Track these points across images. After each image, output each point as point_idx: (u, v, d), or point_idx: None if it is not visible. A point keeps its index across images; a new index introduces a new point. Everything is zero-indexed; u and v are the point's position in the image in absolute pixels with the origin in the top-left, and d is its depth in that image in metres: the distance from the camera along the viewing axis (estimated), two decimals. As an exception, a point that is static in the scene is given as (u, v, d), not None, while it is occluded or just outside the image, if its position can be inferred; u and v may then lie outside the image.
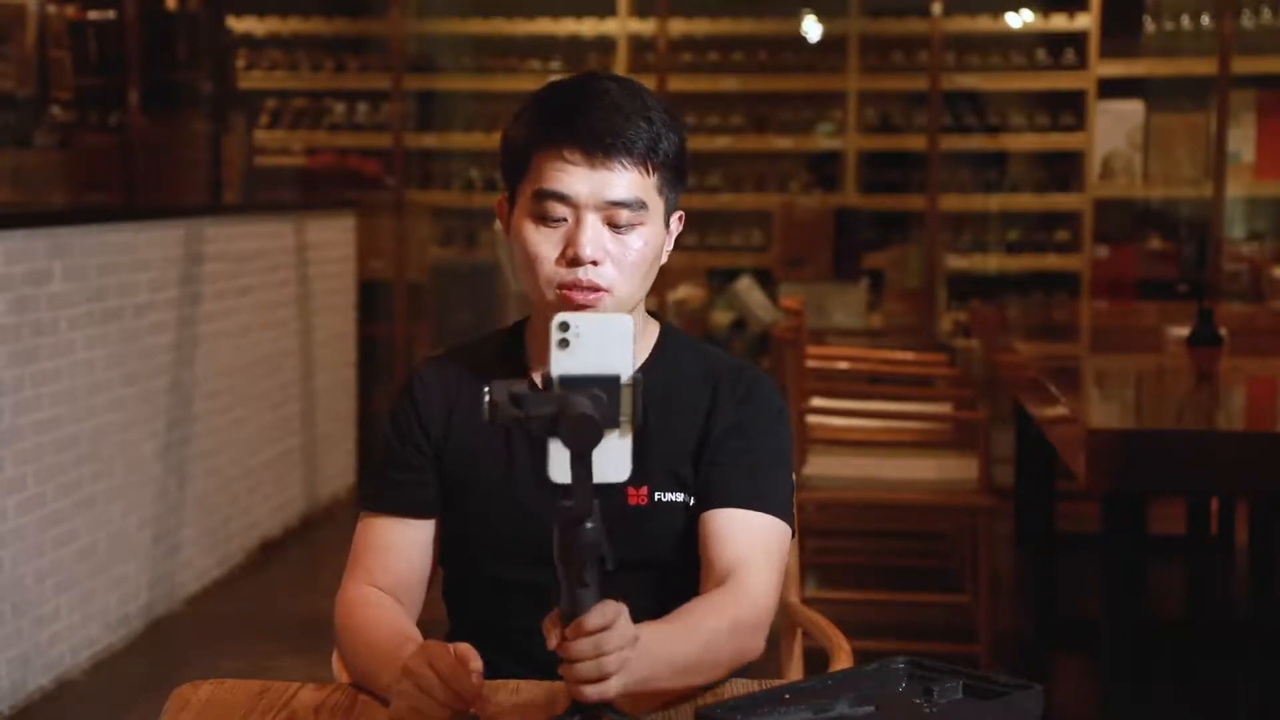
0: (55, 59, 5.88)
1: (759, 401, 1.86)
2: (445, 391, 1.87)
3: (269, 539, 5.55)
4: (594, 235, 1.76)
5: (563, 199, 1.77)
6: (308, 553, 5.62)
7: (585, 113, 1.76)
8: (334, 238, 6.38)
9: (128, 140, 5.85)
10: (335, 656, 1.86)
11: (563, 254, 1.77)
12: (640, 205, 1.78)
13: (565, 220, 1.77)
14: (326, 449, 6.17)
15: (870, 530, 5.54)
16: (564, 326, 1.43)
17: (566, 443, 1.39)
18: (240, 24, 7.41)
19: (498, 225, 6.97)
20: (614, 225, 1.78)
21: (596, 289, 1.76)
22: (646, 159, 1.77)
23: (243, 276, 5.39)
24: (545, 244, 1.78)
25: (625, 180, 1.77)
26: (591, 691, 1.43)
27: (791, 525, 1.83)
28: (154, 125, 5.93)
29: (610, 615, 1.43)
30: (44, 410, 4.02)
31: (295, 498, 5.85)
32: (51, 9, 5.89)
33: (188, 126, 6.18)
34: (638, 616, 1.60)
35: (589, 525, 1.41)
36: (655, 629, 1.58)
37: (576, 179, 1.76)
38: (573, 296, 1.76)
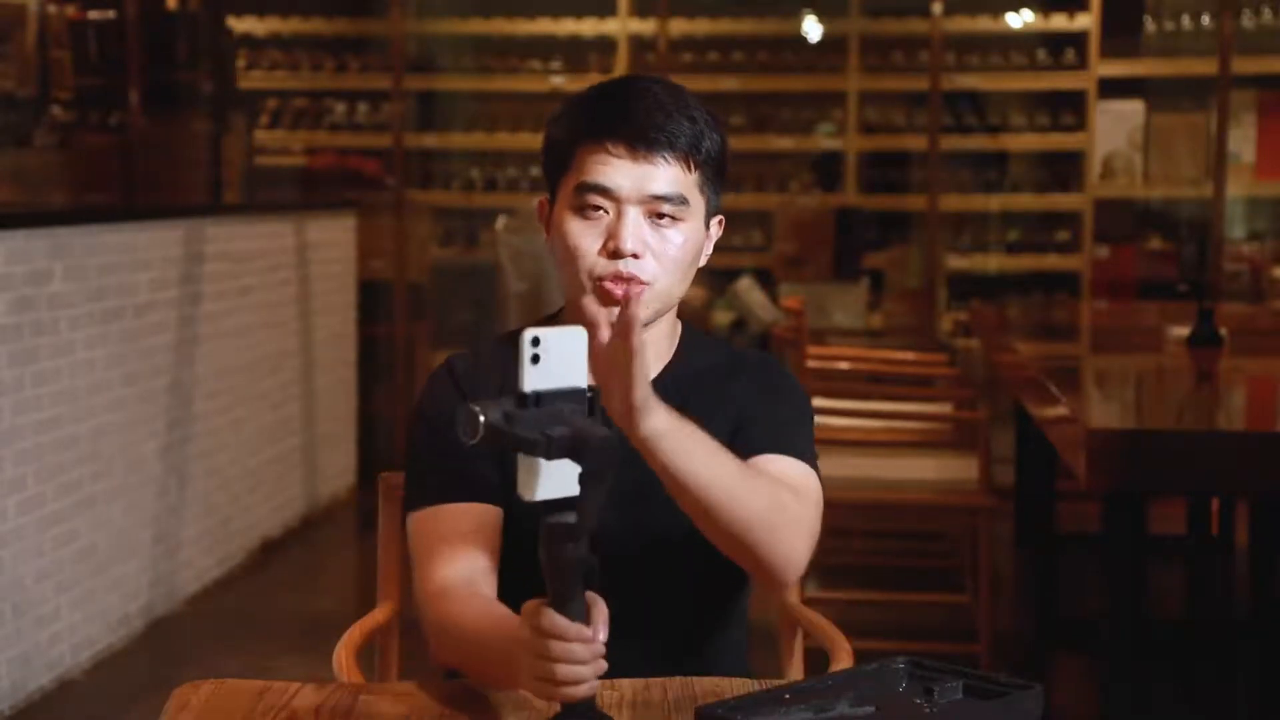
0: (55, 59, 5.88)
1: (774, 374, 1.91)
2: (490, 386, 1.84)
3: (269, 539, 5.55)
4: (635, 229, 1.77)
5: (604, 192, 1.77)
6: (308, 553, 5.62)
7: (629, 108, 1.78)
8: (334, 238, 6.38)
9: (128, 140, 5.86)
10: (432, 649, 1.77)
11: (603, 246, 1.77)
12: (682, 200, 1.79)
13: (606, 213, 1.78)
14: (326, 449, 6.17)
15: (870, 530, 5.53)
16: (536, 342, 1.40)
17: (587, 464, 1.38)
18: (240, 24, 7.41)
19: (498, 224, 6.99)
20: (655, 219, 1.78)
21: (636, 281, 1.77)
22: (689, 155, 1.79)
23: (243, 276, 5.39)
24: (586, 236, 1.78)
25: (667, 175, 1.78)
26: (564, 694, 1.44)
27: (819, 479, 1.84)
28: (154, 125, 5.93)
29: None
30: (44, 410, 4.02)
31: (295, 498, 5.85)
32: (51, 9, 5.90)
33: (188, 126, 6.18)
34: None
35: (581, 541, 1.41)
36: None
37: (619, 172, 1.77)
38: (611, 289, 1.76)
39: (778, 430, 1.83)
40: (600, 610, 1.46)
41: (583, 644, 1.43)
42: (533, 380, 1.40)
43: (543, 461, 1.39)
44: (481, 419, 1.37)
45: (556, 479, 1.40)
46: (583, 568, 1.43)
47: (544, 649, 1.44)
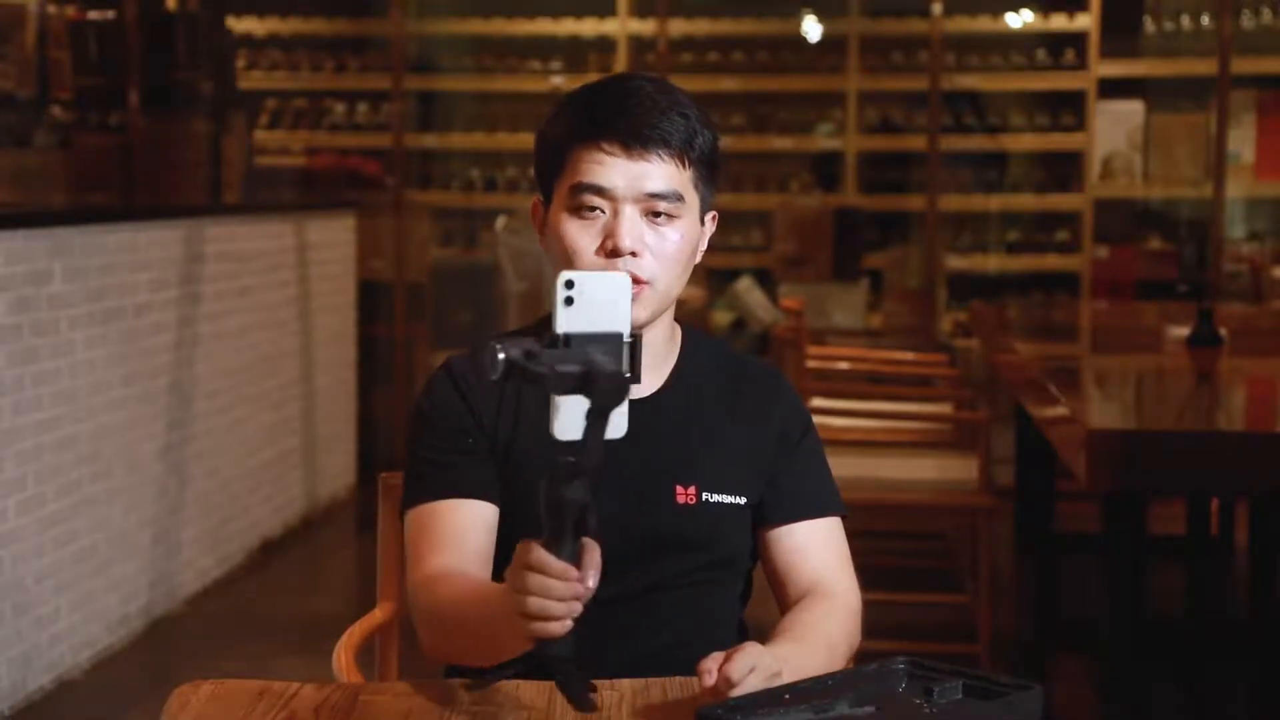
0: (55, 59, 5.89)
1: (791, 403, 1.93)
2: (487, 385, 1.84)
3: (269, 539, 5.55)
4: (632, 227, 1.77)
5: (600, 191, 1.77)
6: (308, 553, 5.62)
7: (622, 107, 1.78)
8: (334, 238, 6.38)
9: (128, 140, 5.86)
10: (422, 639, 1.78)
11: (601, 246, 1.77)
12: (677, 197, 1.79)
13: (602, 213, 1.78)
14: (326, 449, 6.17)
15: (870, 530, 5.53)
16: (569, 284, 1.44)
17: (595, 399, 1.40)
18: (240, 24, 7.41)
19: (498, 224, 6.99)
20: (651, 217, 1.78)
21: (637, 281, 1.76)
22: (683, 152, 1.79)
23: (243, 276, 5.39)
24: (584, 237, 1.78)
25: (662, 172, 1.78)
26: (535, 628, 1.45)
27: (844, 508, 1.94)
28: (154, 125, 5.94)
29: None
30: (44, 410, 4.02)
31: (295, 498, 5.85)
32: (51, 9, 5.90)
33: (188, 126, 6.18)
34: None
35: (580, 483, 1.42)
36: (789, 648, 1.66)
37: (614, 171, 1.77)
38: None
39: (812, 485, 1.90)
40: (593, 554, 1.46)
41: (562, 582, 1.44)
42: (565, 323, 1.43)
43: (564, 401, 1.40)
44: (500, 355, 1.39)
45: (578, 420, 1.42)
46: (576, 508, 1.43)
47: (522, 582, 1.45)
